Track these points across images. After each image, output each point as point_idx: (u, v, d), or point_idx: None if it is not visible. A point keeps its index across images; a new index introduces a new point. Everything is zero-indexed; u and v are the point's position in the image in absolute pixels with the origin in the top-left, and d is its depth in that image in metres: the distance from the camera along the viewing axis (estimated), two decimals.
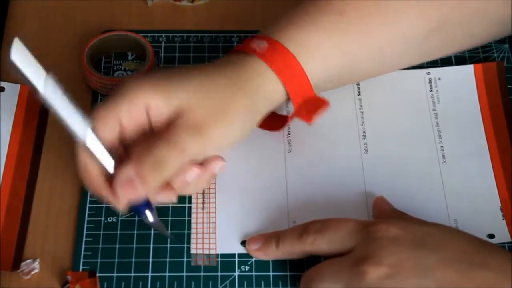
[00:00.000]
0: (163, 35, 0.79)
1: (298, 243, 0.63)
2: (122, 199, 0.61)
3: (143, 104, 0.61)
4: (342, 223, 0.63)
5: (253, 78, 0.65)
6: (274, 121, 0.71)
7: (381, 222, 0.61)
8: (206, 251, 0.66)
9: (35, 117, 0.73)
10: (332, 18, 0.67)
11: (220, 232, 0.67)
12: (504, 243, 0.67)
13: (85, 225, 0.67)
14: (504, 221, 0.68)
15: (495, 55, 0.78)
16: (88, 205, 0.68)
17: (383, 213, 0.67)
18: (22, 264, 0.65)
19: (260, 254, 0.65)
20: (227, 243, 0.66)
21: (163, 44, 0.79)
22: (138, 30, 0.78)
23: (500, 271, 0.58)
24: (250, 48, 0.65)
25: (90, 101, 0.74)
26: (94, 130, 0.60)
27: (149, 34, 0.79)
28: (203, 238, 0.66)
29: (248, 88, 0.64)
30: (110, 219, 0.67)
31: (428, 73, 0.77)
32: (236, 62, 0.65)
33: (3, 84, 0.74)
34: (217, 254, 0.66)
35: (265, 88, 0.65)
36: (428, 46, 0.70)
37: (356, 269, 0.59)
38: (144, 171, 0.60)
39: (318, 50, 0.66)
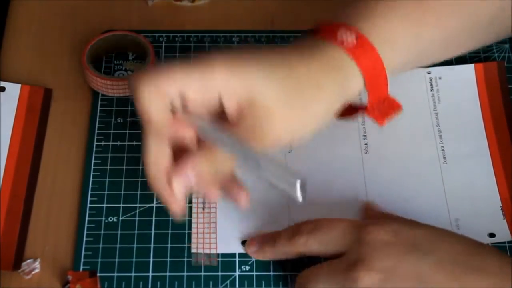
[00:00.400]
0: (164, 35, 0.79)
1: (290, 244, 0.63)
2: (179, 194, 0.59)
3: (219, 83, 0.57)
4: (334, 224, 0.62)
5: (335, 73, 0.60)
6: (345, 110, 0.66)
7: (374, 224, 0.61)
8: (207, 251, 0.66)
9: (36, 117, 0.73)
10: (411, 5, 0.63)
11: (220, 232, 0.67)
12: (504, 242, 0.67)
13: (86, 225, 0.67)
14: (505, 220, 0.68)
15: (496, 55, 0.78)
16: (88, 205, 0.68)
17: (373, 215, 0.66)
18: (23, 264, 0.65)
19: (258, 255, 0.65)
20: (228, 243, 0.66)
21: (163, 44, 0.79)
22: (139, 30, 0.78)
23: (498, 275, 0.57)
24: (336, 39, 0.61)
25: (91, 101, 0.74)
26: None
27: (149, 34, 0.79)
28: (203, 238, 0.66)
29: (328, 81, 0.60)
30: (110, 219, 0.67)
31: (429, 72, 0.77)
32: (318, 51, 0.61)
33: (4, 84, 0.74)
34: (218, 254, 0.66)
35: (347, 84, 0.61)
36: (491, 30, 0.68)
37: (349, 274, 0.58)
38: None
39: (401, 44, 0.63)
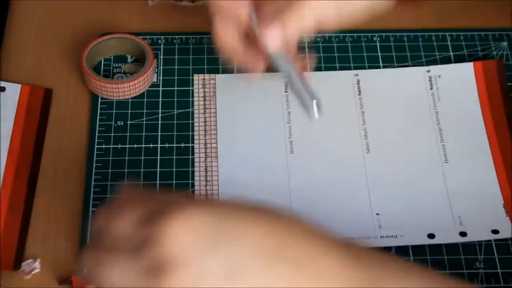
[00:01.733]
0: (162, 37, 0.79)
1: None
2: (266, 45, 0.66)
3: None
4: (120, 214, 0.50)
5: None
6: None
7: (167, 214, 0.48)
8: None
9: (36, 117, 0.73)
10: None
11: None
12: (507, 239, 0.67)
13: (89, 229, 0.66)
14: (508, 217, 0.68)
15: (494, 53, 0.79)
16: (91, 209, 0.67)
17: None
18: (23, 264, 0.65)
19: None
20: None
21: (162, 47, 0.78)
22: (137, 32, 0.78)
23: None
24: None
25: (91, 102, 0.74)
26: None
27: (147, 36, 0.79)
28: None
29: None
30: None
31: (428, 71, 0.77)
32: None
33: (4, 84, 0.74)
34: None
35: None
36: None
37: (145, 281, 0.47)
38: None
39: None
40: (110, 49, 0.77)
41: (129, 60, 0.77)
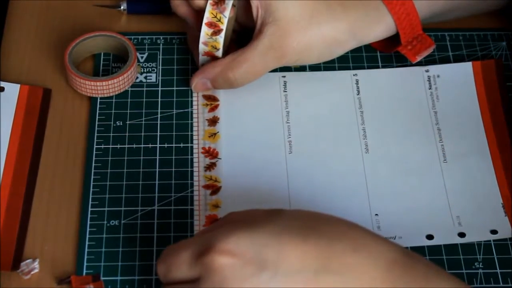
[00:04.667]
0: (161, 37, 0.79)
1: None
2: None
3: None
4: (179, 257, 0.57)
5: (361, 7, 0.71)
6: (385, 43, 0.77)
7: (212, 249, 0.55)
8: None
9: (35, 117, 0.73)
10: None
11: None
12: (506, 239, 0.67)
13: (88, 229, 0.66)
14: (507, 217, 0.68)
15: (493, 53, 0.79)
16: (90, 209, 0.67)
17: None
18: (22, 264, 0.64)
19: None
20: None
21: (161, 47, 0.78)
22: (137, 32, 0.79)
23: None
24: None
25: (89, 103, 0.74)
26: None
27: (147, 36, 0.79)
28: None
29: (352, 14, 0.72)
30: (112, 222, 0.67)
31: (427, 71, 0.77)
32: None
33: (3, 84, 0.74)
34: None
35: (372, 24, 0.72)
36: None
37: None
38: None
39: None
40: (95, 47, 0.77)
41: (112, 58, 0.77)
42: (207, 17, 0.70)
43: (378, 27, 0.73)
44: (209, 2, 0.70)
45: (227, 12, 0.70)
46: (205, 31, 0.71)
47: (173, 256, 0.57)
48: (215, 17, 0.70)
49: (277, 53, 0.71)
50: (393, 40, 0.75)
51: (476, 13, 0.80)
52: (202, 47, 0.72)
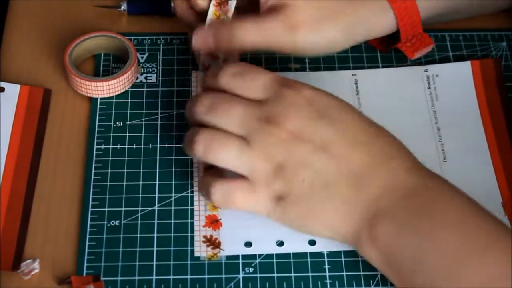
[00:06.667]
0: (161, 37, 0.79)
1: (213, 79, 0.66)
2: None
3: None
4: (260, 74, 0.65)
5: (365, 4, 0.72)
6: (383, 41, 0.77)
7: (293, 86, 0.64)
8: (210, 253, 0.66)
9: (35, 117, 0.73)
10: None
11: (223, 234, 0.67)
12: None
13: (88, 229, 0.66)
14: (506, 216, 0.68)
15: (493, 53, 0.79)
16: (90, 209, 0.67)
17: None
18: (22, 264, 0.65)
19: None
20: (231, 244, 0.66)
21: (161, 47, 0.79)
22: (137, 32, 0.79)
23: (396, 157, 0.64)
24: None
25: (89, 103, 0.74)
26: None
27: (147, 37, 0.79)
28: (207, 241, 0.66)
29: (357, 11, 0.72)
30: (112, 222, 0.67)
31: (426, 70, 0.77)
32: None
33: (3, 84, 0.74)
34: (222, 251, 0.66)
35: (374, 19, 0.73)
36: None
37: (260, 125, 0.62)
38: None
39: None
40: (95, 47, 0.77)
41: (113, 59, 0.77)
42: (210, 18, 0.71)
43: (381, 22, 0.73)
44: (212, 2, 0.70)
45: (231, 13, 0.70)
46: None
47: (252, 72, 0.65)
48: (218, 18, 0.70)
49: (289, 20, 0.70)
50: (393, 39, 0.75)
51: (480, 15, 0.80)
52: None
